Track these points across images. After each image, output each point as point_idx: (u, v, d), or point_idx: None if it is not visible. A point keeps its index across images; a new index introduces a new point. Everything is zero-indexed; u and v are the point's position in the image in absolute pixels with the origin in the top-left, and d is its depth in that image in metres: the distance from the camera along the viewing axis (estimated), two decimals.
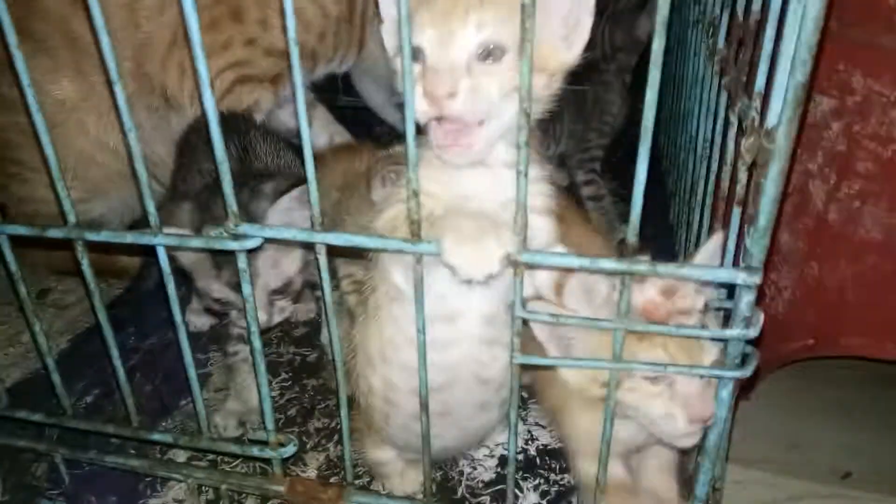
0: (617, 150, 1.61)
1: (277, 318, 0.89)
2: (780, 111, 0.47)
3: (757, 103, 0.54)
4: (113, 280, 1.20)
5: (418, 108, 0.55)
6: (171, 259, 0.67)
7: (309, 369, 1.02)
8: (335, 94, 1.59)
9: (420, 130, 0.59)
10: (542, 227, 0.64)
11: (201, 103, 0.58)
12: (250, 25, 1.06)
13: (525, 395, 0.93)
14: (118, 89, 0.58)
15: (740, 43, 0.66)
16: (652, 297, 0.57)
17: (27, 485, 0.87)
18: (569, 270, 0.63)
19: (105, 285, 1.21)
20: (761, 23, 0.56)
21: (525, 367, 0.61)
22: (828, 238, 0.97)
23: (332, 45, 1.15)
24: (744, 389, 1.13)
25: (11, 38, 0.60)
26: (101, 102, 1.05)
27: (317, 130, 1.31)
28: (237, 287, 0.68)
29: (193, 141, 0.98)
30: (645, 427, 0.68)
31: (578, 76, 0.63)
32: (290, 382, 0.99)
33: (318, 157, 1.12)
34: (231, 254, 0.62)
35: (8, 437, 0.83)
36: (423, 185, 0.63)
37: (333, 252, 0.61)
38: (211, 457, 0.87)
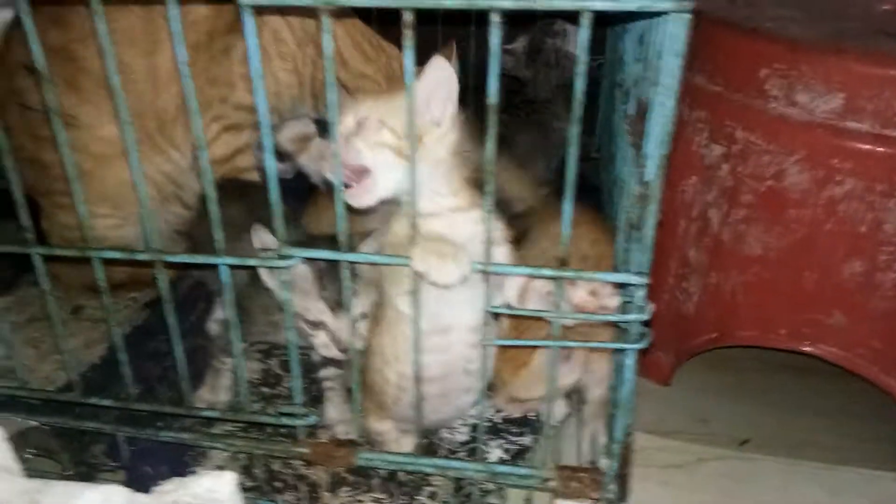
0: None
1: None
2: (653, 171, 0.73)
3: (643, 162, 0.79)
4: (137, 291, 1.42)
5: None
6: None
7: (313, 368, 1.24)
8: None
9: None
10: (498, 255, 0.88)
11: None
12: (222, 88, 1.35)
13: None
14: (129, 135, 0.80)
15: (643, 115, 0.92)
16: (582, 296, 0.81)
17: (87, 462, 1.07)
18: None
19: (132, 301, 1.42)
20: (649, 105, 0.82)
21: None
22: (723, 253, 1.23)
23: (289, 103, 1.46)
24: (665, 377, 1.39)
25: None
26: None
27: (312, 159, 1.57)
28: (337, 305, 0.93)
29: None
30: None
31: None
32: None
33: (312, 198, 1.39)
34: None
35: (77, 421, 1.03)
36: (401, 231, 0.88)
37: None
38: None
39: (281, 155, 1.75)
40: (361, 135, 0.82)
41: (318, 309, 0.96)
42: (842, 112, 1.07)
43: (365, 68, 1.47)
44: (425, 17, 0.70)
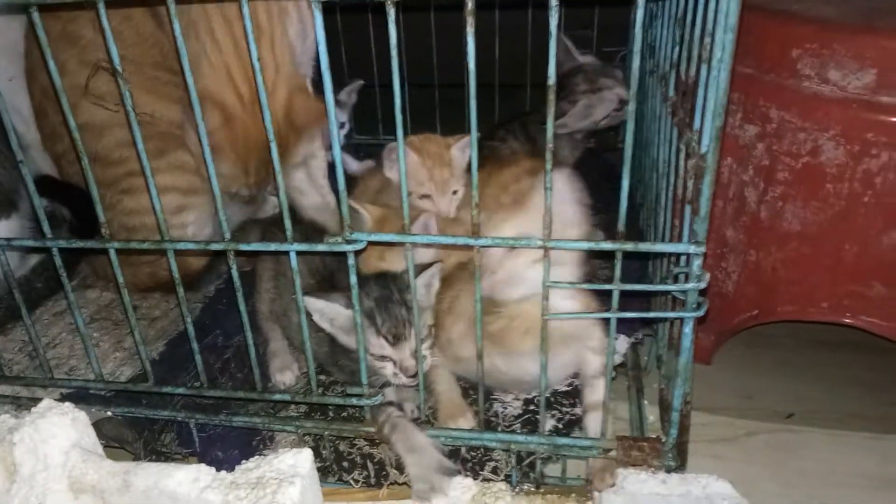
0: (593, 173, 1.94)
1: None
2: (708, 143, 0.77)
3: (695, 137, 0.83)
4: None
5: None
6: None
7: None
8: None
9: None
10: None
11: None
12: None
13: None
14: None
15: (684, 94, 0.96)
16: None
17: (158, 451, 1.11)
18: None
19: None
20: (696, 83, 0.86)
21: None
22: (761, 231, 1.26)
23: None
24: (706, 356, 1.42)
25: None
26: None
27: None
28: (395, 338, 0.99)
29: None
30: None
31: None
32: None
33: (357, 178, 1.46)
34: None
35: (151, 410, 1.08)
36: None
37: None
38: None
39: None
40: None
41: (378, 345, 1.01)
42: (875, 87, 1.10)
43: None
44: None
